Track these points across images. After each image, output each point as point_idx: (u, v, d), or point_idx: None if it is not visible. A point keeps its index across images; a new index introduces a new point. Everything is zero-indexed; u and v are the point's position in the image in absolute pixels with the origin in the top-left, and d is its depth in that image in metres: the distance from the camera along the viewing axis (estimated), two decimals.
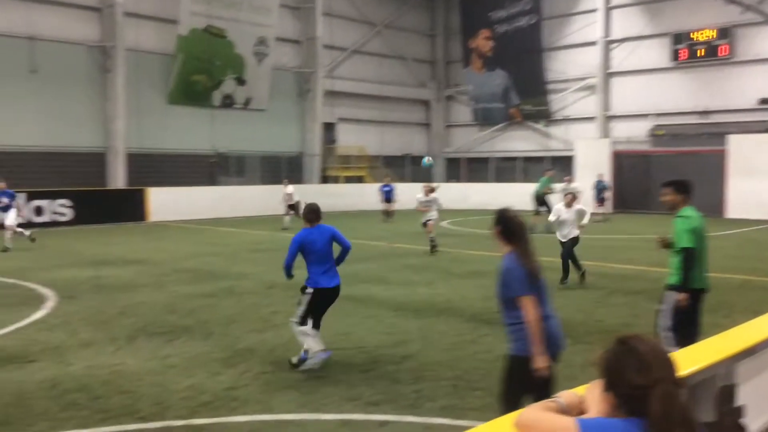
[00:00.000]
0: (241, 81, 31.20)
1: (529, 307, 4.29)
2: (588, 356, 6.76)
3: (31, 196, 23.71)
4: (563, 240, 11.75)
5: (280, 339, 8.18)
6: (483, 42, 37.35)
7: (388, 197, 25.95)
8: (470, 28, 37.79)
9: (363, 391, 6.27)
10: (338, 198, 31.59)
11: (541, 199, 22.12)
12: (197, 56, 29.46)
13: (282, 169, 33.15)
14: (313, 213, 7.13)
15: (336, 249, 7.25)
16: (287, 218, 22.91)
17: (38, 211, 23.85)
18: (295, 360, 7.00)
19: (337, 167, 35.36)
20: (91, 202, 25.24)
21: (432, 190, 16.66)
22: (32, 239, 17.68)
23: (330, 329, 8.66)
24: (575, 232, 11.71)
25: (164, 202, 26.65)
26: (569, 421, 2.05)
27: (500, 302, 4.53)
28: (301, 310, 7.08)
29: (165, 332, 8.52)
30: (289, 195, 23.36)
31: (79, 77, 27.00)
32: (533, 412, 2.17)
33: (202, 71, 29.87)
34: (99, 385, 6.44)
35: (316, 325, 7.13)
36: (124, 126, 27.47)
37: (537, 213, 21.54)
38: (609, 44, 33.37)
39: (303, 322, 7.03)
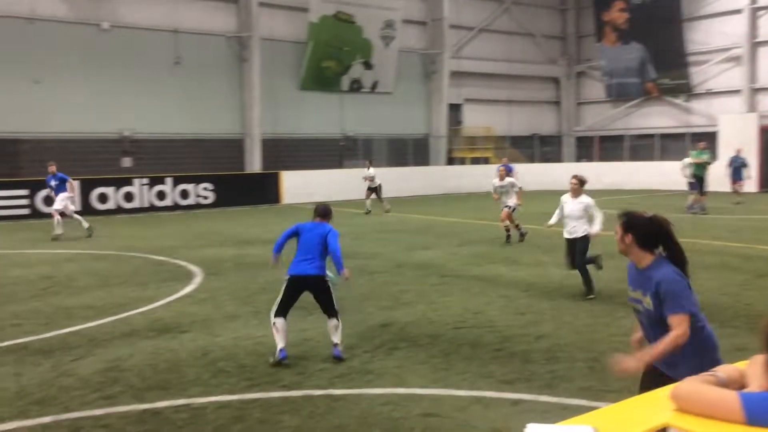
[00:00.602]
0: (368, 65, 31.69)
1: (685, 326, 3.56)
2: (736, 341, 6.38)
3: (177, 181, 25.36)
4: (569, 237, 9.58)
5: (410, 316, 8.32)
6: (617, 14, 35.66)
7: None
8: (603, 1, 36.21)
9: (495, 369, 6.27)
10: (464, 179, 31.47)
11: (698, 176, 20.40)
12: (327, 42, 30.22)
13: (408, 151, 33.46)
14: (319, 211, 7.27)
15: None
16: (368, 201, 22.69)
17: (183, 194, 25.47)
18: (272, 360, 6.56)
19: (463, 148, 35.17)
20: (231, 186, 26.62)
21: (507, 174, 14.79)
22: (89, 232, 16.74)
23: (460, 307, 8.72)
24: (584, 229, 9.43)
25: (296, 185, 27.65)
26: (731, 395, 1.96)
27: (654, 320, 3.70)
28: (278, 297, 6.81)
29: (302, 307, 8.83)
30: (371, 177, 22.94)
31: (219, 67, 28.46)
32: (692, 384, 2.08)
33: (332, 57, 30.62)
34: (245, 354, 6.85)
35: (284, 315, 6.71)
36: (260, 113, 28.72)
37: (702, 193, 20.04)
38: (756, 12, 30.87)
39: (277, 312, 6.68)
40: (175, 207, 25.09)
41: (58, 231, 16.57)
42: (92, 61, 25.50)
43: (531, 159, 35.75)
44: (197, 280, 10.95)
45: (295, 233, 7.06)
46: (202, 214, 23.60)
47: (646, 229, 3.76)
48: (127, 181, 24.57)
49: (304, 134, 30.39)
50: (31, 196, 22.55)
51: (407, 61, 33.07)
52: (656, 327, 3.67)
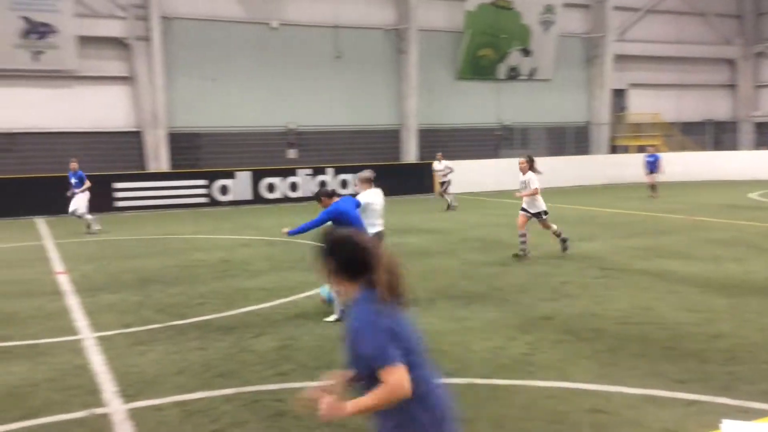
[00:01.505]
0: (526, 52, 31.06)
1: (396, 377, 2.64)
2: None
3: (338, 171, 26.31)
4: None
5: (573, 309, 8.11)
6: None
7: (651, 169, 22.88)
8: None
9: (666, 368, 5.97)
10: (627, 168, 29.98)
11: None
12: (484, 30, 29.98)
13: (567, 139, 32.43)
14: (321, 194, 8.62)
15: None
16: (449, 197, 21.11)
17: (343, 183, 26.37)
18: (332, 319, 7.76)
19: (627, 136, 33.52)
20: (387, 176, 27.15)
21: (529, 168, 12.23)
22: (89, 229, 16.82)
23: (626, 301, 8.37)
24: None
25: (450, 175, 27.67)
26: None
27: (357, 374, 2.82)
28: None
29: (461, 296, 8.96)
30: (443, 171, 21.52)
31: (377, 60, 29.15)
32: None
33: (489, 45, 30.33)
34: None
35: None
36: (416, 103, 29.09)
37: None
38: None
39: None
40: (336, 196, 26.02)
41: (96, 227, 16.89)
42: (261, 59, 27.06)
43: (702, 147, 33.36)
44: None
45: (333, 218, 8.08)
46: None
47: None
48: (292, 172, 25.85)
49: (460, 124, 30.40)
50: (208, 186, 24.40)
51: (567, 46, 32.03)
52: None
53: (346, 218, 7.97)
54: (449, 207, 20.85)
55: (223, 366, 6.34)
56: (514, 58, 31.03)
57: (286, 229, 8.49)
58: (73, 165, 17.72)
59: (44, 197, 21.94)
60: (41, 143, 24.20)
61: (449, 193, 21.41)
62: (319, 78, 28.07)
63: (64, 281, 10.68)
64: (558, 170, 26.76)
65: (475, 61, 30.35)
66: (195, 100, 26.11)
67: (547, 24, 31.08)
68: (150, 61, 25.13)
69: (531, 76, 31.50)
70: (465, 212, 20.19)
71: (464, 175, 27.64)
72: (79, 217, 17.30)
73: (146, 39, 25.08)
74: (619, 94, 33.70)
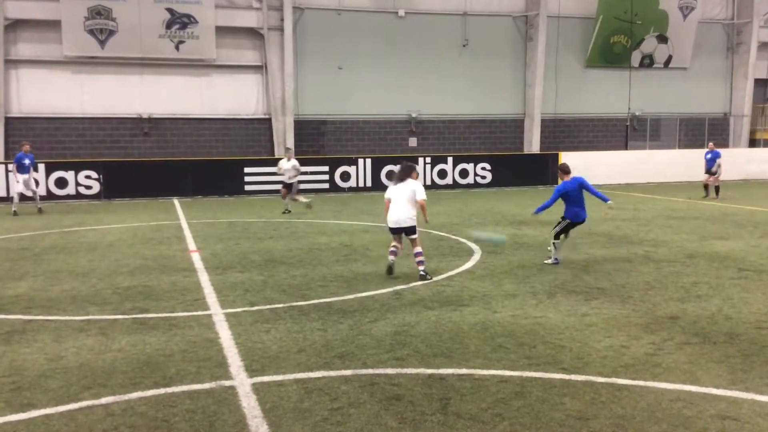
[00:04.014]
0: (662, 38, 29.51)
1: None
2: None
3: (457, 160, 26.21)
4: None
5: (704, 311, 7.68)
6: None
7: (710, 167, 20.85)
8: None
9: None
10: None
11: None
12: (618, 16, 28.76)
13: (703, 131, 30.58)
14: (561, 168, 11.17)
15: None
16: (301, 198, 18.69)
17: (463, 173, 26.24)
18: (549, 261, 10.52)
19: None
20: (508, 166, 26.80)
21: None
22: (12, 211, 18.25)
23: (765, 305, 7.83)
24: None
25: (576, 167, 26.79)
26: None
27: None
28: (557, 229, 10.75)
29: (582, 291, 8.70)
30: (292, 172, 18.43)
31: (503, 48, 28.68)
32: None
33: (622, 31, 29.06)
34: (523, 333, 6.92)
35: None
36: (541, 92, 28.40)
37: None
38: None
39: (557, 237, 10.69)
40: (455, 185, 25.99)
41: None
42: (387, 47, 27.34)
43: None
44: (476, 257, 11.27)
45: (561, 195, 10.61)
46: (479, 193, 24.15)
47: None
48: (413, 160, 25.96)
49: (587, 113, 29.39)
50: (330, 173, 25.03)
51: (707, 33, 30.14)
52: None
53: (572, 194, 10.57)
54: (287, 210, 18.27)
55: (342, 347, 6.51)
56: (650, 44, 29.55)
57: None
58: (26, 147, 19.09)
59: (181, 179, 23.35)
60: (180, 128, 25.71)
61: (297, 197, 18.56)
62: (443, 66, 28.00)
63: (196, 259, 11.34)
64: (692, 164, 25.32)
65: (606, 48, 29.19)
66: (321, 88, 26.80)
67: (686, 9, 29.37)
68: (281, 50, 26.05)
69: (666, 64, 29.90)
70: (591, 206, 19.50)
71: (591, 168, 26.74)
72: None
73: (279, 29, 25.99)
74: (761, 84, 31.34)
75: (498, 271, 10.05)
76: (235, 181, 24.04)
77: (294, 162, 18.65)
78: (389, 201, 9.66)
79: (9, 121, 24.30)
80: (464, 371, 5.83)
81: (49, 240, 13.73)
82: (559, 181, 11.02)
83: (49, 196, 22.14)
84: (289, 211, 18.21)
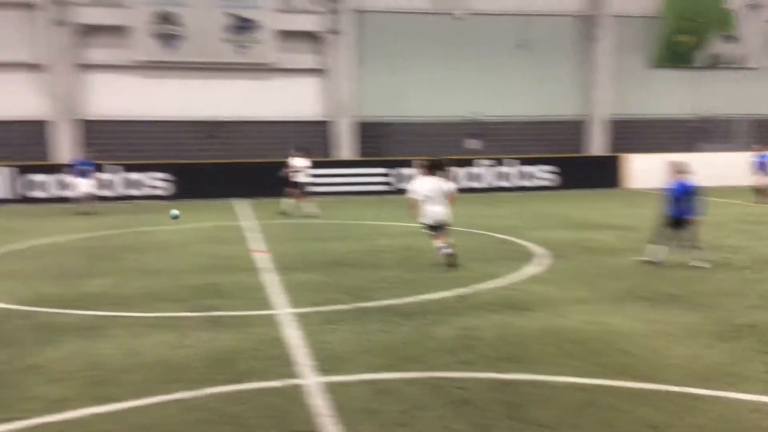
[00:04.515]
0: (729, 38, 28.57)
1: None
2: None
3: (519, 162, 25.96)
4: None
5: None
6: None
7: (762, 169, 19.96)
8: None
9: None
10: None
11: None
12: (682, 15, 28.02)
13: None
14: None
15: None
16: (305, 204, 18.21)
17: (524, 175, 25.99)
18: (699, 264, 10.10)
19: None
20: (570, 168, 26.38)
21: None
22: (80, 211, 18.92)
23: None
24: None
25: (642, 169, 26.28)
26: None
27: None
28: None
29: (651, 297, 8.51)
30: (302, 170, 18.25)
31: (563, 48, 28.29)
32: None
33: (687, 31, 28.29)
34: (592, 339, 6.80)
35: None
36: (604, 93, 27.88)
37: None
38: None
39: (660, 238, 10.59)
40: (516, 188, 25.73)
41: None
42: (444, 49, 27.31)
43: None
44: (540, 260, 11.14)
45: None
46: (541, 196, 23.84)
47: None
48: (471, 162, 25.87)
49: (651, 115, 28.71)
50: (391, 174, 25.14)
51: None
52: None
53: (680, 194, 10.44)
54: (285, 212, 18.22)
55: (406, 350, 6.53)
56: (715, 44, 28.67)
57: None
58: (84, 154, 20.44)
59: (243, 181, 23.80)
60: (242, 131, 26.22)
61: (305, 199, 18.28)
62: (501, 67, 27.81)
63: (260, 259, 11.55)
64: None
65: (671, 48, 28.46)
66: (380, 90, 26.94)
67: (755, 7, 28.38)
68: (340, 53, 26.30)
69: (734, 64, 28.93)
70: (654, 208, 19.05)
71: (658, 171, 26.12)
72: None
73: (338, 32, 26.25)
74: None
75: (565, 276, 9.91)
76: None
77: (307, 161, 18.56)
78: (420, 197, 10.18)
79: (85, 123, 25.23)
80: (533, 377, 5.77)
81: (123, 239, 14.21)
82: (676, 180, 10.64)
83: (122, 196, 22.95)
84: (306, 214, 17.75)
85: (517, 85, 27.92)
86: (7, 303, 8.49)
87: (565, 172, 26.15)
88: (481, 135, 27.92)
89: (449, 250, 10.26)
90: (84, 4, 24.66)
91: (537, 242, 12.84)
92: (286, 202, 18.43)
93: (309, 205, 18.24)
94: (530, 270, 10.38)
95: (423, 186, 10.34)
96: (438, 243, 10.40)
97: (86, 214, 18.97)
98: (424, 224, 10.50)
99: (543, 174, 26.15)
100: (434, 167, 10.41)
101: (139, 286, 9.47)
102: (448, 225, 10.51)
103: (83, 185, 19.73)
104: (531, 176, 26.11)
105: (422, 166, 10.53)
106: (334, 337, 6.95)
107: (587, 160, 27.50)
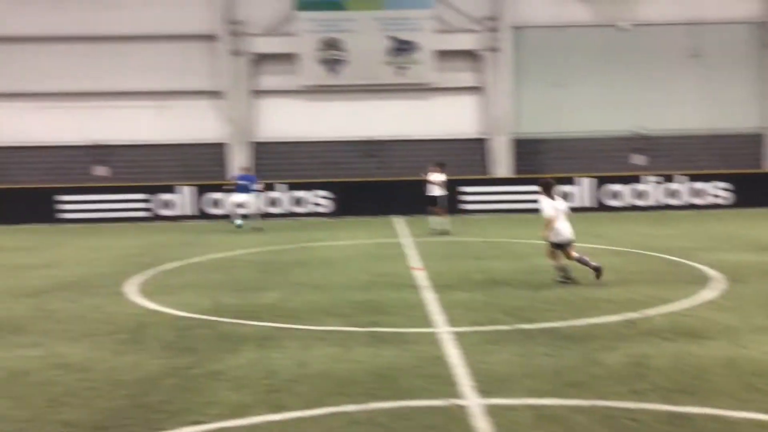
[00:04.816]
0: None
1: None
2: None
3: (690, 179, 24.42)
4: None
5: None
6: None
7: None
8: None
9: None
10: None
11: None
12: None
13: None
14: None
15: None
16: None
17: (695, 193, 24.38)
18: None
19: None
20: (748, 185, 24.43)
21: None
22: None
23: None
24: None
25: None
26: None
27: None
28: None
29: None
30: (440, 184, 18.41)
31: (737, 57, 26.48)
32: None
33: None
34: None
35: None
36: None
37: None
38: None
39: None
40: (686, 206, 24.21)
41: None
42: (607, 61, 26.42)
43: None
44: (717, 285, 10.38)
45: None
46: (716, 215, 22.24)
47: None
48: (638, 179, 24.68)
49: None
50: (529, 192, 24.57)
51: None
52: None
53: None
54: (437, 230, 18.17)
55: (573, 375, 6.33)
56: None
57: None
58: (243, 168, 21.58)
59: (401, 198, 24.30)
60: (400, 150, 26.83)
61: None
62: (670, 79, 26.43)
63: (420, 276, 11.71)
64: None
65: None
66: (539, 106, 26.52)
67: None
68: (498, 70, 26.22)
69: None
70: None
71: None
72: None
73: (496, 49, 26.20)
74: None
75: (745, 302, 9.16)
76: (451, 200, 24.47)
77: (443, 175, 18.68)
78: (555, 216, 10.55)
79: (256, 145, 27.03)
80: (711, 411, 5.38)
81: (290, 254, 15.01)
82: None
83: (289, 213, 24.31)
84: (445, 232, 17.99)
85: (687, 96, 26.38)
86: (191, 312, 9.24)
87: (742, 189, 24.23)
88: (648, 150, 26.59)
89: (585, 259, 10.71)
90: (258, 34, 26.47)
91: (711, 265, 11.99)
92: (434, 221, 18.59)
93: (443, 221, 18.32)
94: (706, 295, 9.70)
95: (553, 206, 10.65)
96: (568, 257, 10.74)
97: (259, 229, 20.23)
98: (554, 243, 10.75)
99: (716, 191, 24.40)
100: (551, 187, 10.78)
101: (306, 300, 9.94)
102: (574, 242, 10.82)
103: (244, 199, 20.60)
104: (703, 193, 24.45)
105: (542, 187, 10.84)
106: (495, 359, 6.88)
107: (767, 176, 25.31)
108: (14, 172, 26.78)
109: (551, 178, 11.44)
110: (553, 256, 10.87)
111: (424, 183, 18.98)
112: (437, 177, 18.71)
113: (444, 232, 17.98)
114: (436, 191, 18.61)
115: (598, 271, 10.53)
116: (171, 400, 5.83)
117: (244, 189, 20.50)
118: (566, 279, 10.67)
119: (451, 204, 24.15)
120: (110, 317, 9.03)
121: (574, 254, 10.74)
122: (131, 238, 19.27)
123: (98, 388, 6.18)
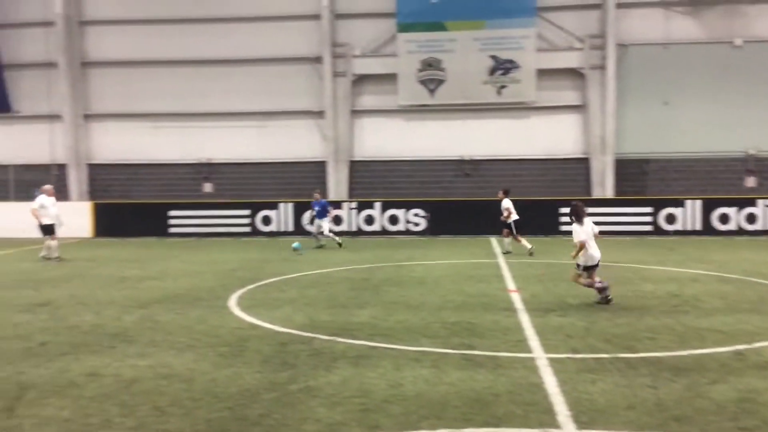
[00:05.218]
0: None
1: None
2: None
3: None
4: None
5: None
6: None
7: None
8: None
9: None
10: None
11: None
12: None
13: None
14: None
15: None
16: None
17: None
18: None
19: None
20: None
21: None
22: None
23: None
24: None
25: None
26: None
27: None
28: None
29: None
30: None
31: None
32: None
33: None
34: None
35: None
36: None
37: None
38: None
39: None
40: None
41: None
42: (720, 79, 25.24)
43: None
44: None
45: None
46: None
47: None
48: (751, 202, 23.38)
49: None
50: (654, 214, 23.67)
51: None
52: None
53: None
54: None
55: (677, 409, 6.04)
56: None
57: None
58: (316, 196, 21.45)
59: (496, 218, 23.98)
60: (498, 169, 26.57)
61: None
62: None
63: (516, 299, 11.52)
64: None
65: None
66: (644, 125, 25.63)
67: None
68: (602, 88, 25.58)
69: None
70: None
71: None
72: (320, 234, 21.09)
73: (600, 67, 25.58)
74: None
75: None
76: (550, 220, 23.99)
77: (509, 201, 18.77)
78: (586, 241, 10.78)
79: (353, 164, 27.51)
80: None
81: (384, 272, 15.14)
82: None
83: (383, 231, 24.52)
84: (509, 252, 18.64)
85: None
86: (288, 327, 9.47)
87: None
88: (761, 172, 25.13)
89: (606, 285, 10.90)
90: (360, 56, 27.01)
91: None
92: (523, 245, 18.24)
93: (511, 242, 18.72)
94: None
95: (585, 230, 10.94)
96: (593, 281, 10.93)
97: (321, 247, 20.58)
98: (583, 266, 10.95)
99: None
100: (581, 211, 11.09)
101: (400, 319, 9.97)
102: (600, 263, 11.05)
103: (322, 223, 21.00)
104: None
105: (572, 211, 11.15)
106: (594, 388, 6.67)
107: None
108: (129, 187, 28.42)
109: (580, 201, 11.61)
110: (578, 279, 11.09)
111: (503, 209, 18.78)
112: (507, 203, 18.54)
113: (510, 251, 18.66)
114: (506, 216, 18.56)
115: (607, 302, 10.78)
116: (269, 414, 5.98)
117: (322, 214, 21.07)
118: (606, 299, 10.84)
119: (551, 225, 23.73)
120: (213, 330, 9.39)
121: (597, 279, 10.96)
122: (234, 253, 19.99)
123: (200, 399, 6.43)
